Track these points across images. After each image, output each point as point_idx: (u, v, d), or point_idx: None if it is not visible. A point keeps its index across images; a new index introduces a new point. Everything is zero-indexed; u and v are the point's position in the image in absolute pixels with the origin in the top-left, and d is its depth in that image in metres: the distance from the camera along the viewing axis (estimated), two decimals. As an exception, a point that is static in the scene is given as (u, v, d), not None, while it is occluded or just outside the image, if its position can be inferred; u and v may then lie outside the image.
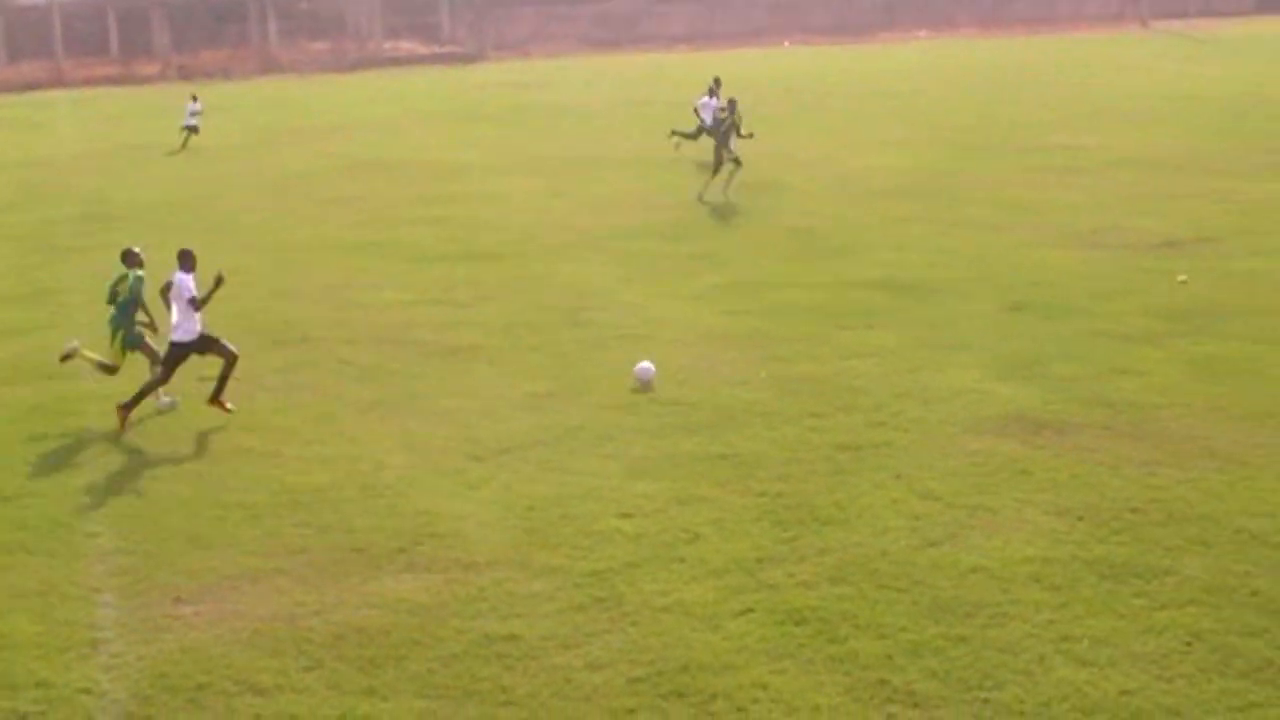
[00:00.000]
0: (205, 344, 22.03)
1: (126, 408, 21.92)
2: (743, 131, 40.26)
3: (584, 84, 77.76)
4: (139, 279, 22.60)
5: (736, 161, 39.84)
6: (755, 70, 79.70)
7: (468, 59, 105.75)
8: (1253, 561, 15.97)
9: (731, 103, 41.12)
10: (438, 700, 13.64)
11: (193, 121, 57.25)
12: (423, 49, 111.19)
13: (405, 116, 67.25)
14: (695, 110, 47.94)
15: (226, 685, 14.05)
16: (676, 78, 72.44)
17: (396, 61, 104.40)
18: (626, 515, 17.72)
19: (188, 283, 21.64)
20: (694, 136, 47.92)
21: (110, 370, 22.92)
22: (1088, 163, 45.12)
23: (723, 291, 29.05)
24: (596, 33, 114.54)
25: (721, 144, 40.22)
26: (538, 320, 26.60)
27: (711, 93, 47.54)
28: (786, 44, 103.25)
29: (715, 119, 44.30)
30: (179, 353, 21.92)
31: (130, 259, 22.79)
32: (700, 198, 40.04)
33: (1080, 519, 17.21)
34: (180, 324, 21.79)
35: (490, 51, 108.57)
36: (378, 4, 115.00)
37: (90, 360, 22.98)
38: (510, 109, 66.67)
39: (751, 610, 15.16)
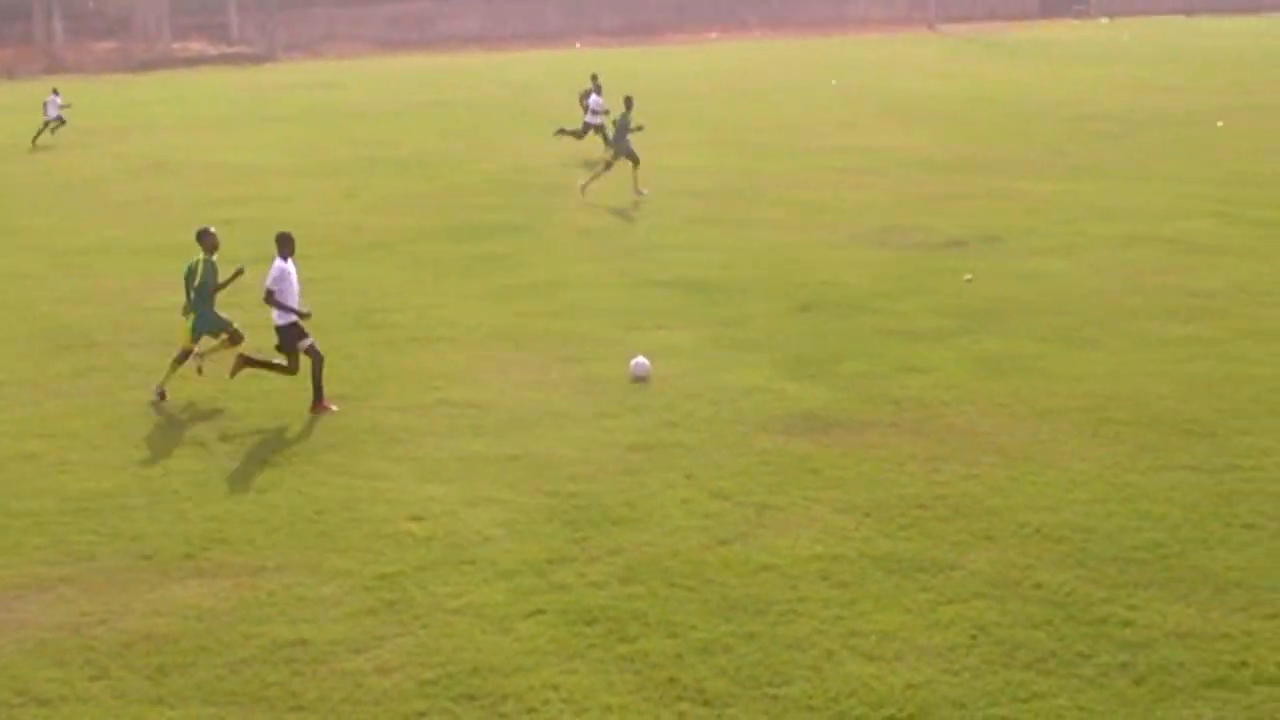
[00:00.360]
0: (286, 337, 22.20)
1: (248, 361, 22.56)
2: (632, 126, 40.81)
3: (376, 85, 77.30)
4: (209, 264, 22.77)
5: (632, 158, 40.57)
6: (547, 72, 79.74)
7: (258, 60, 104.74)
8: (1036, 555, 16.26)
9: (628, 100, 41.45)
10: (226, 707, 13.48)
11: (56, 114, 56.88)
12: (212, 49, 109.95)
13: (195, 118, 66.49)
14: (584, 106, 48.27)
15: (8, 696, 13.78)
16: (469, 79, 72.20)
17: (186, 62, 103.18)
18: (417, 518, 17.64)
19: (287, 270, 21.94)
20: (580, 134, 47.97)
21: (183, 357, 23.11)
22: (877, 163, 45.67)
23: (514, 292, 29.01)
24: (389, 34, 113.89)
25: (615, 142, 40.77)
26: (329, 322, 26.36)
27: (598, 90, 48.21)
28: (578, 45, 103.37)
29: (595, 115, 45.21)
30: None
31: (204, 241, 22.96)
32: (582, 189, 40.54)
33: (867, 515, 17.42)
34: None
35: (281, 52, 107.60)
36: (165, 4, 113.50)
37: (206, 353, 23.44)
38: (302, 110, 66.13)
39: (542, 611, 15.15)
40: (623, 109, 41.22)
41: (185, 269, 23.07)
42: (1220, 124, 53.47)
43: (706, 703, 13.34)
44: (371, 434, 20.73)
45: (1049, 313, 26.47)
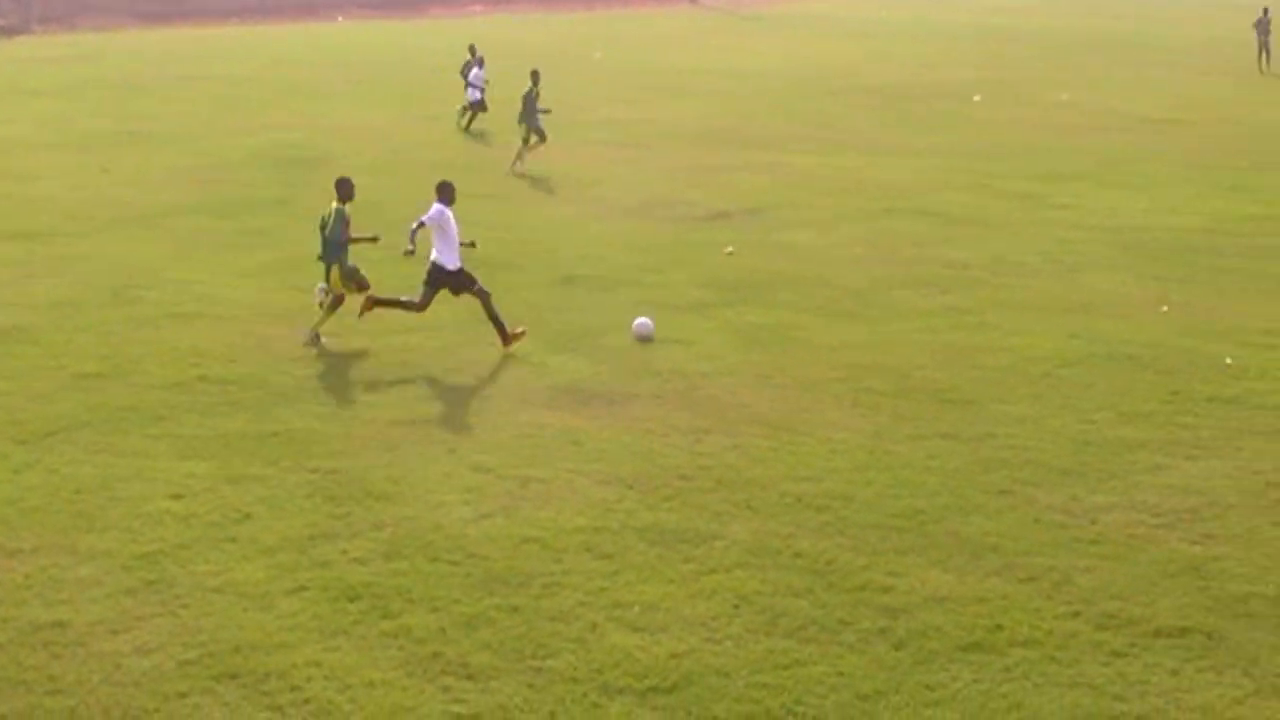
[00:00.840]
0: (461, 281, 23.48)
1: (376, 301, 23.66)
2: (540, 106, 40.44)
3: (135, 58, 75.80)
4: (339, 211, 23.59)
5: (541, 136, 40.27)
6: (309, 46, 78.85)
7: (10, 31, 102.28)
8: (797, 524, 16.46)
9: (534, 75, 41.15)
10: (-20, 692, 13.18)
11: None
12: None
13: (-57, 91, 64.71)
14: (466, 81, 47.97)
15: None
16: (230, 52, 71.18)
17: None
18: (176, 496, 17.36)
19: (447, 215, 23.23)
20: (481, 108, 47.42)
21: (340, 302, 23.83)
22: (641, 137, 45.76)
23: (275, 268, 28.63)
24: (147, 6, 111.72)
25: (526, 119, 40.39)
26: (85, 299, 25.84)
27: (480, 63, 47.76)
28: (340, 19, 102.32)
29: (476, 89, 46.25)
30: (439, 276, 23.44)
31: (341, 189, 23.96)
32: (514, 169, 39.89)
33: (630, 487, 17.50)
34: (444, 251, 23.33)
35: (36, 25, 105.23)
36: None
37: (324, 302, 23.96)
38: (57, 84, 64.56)
39: (304, 588, 15.02)
40: (529, 84, 40.84)
41: (320, 217, 24.07)
42: (977, 98, 54.36)
43: (470, 676, 13.32)
44: (131, 412, 20.34)
45: (809, 284, 26.78)
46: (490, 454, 18.62)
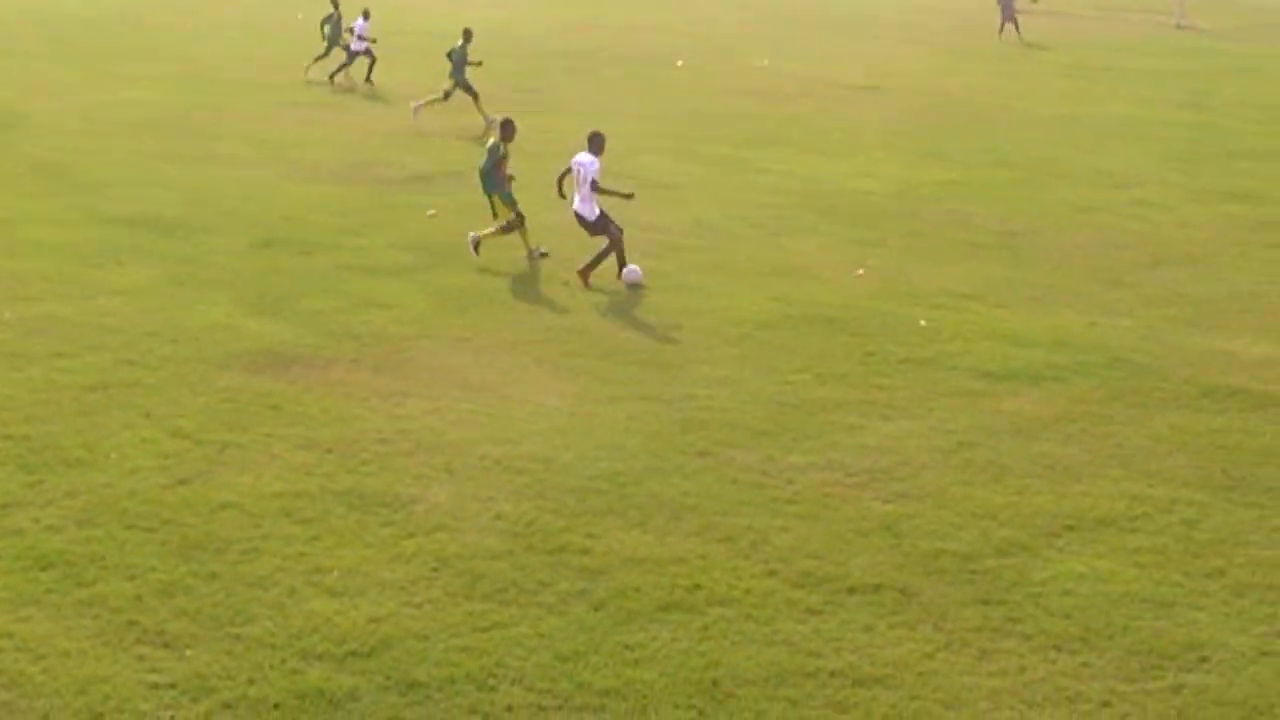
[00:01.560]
0: (599, 226, 25.35)
1: (585, 271, 25.03)
2: (470, 60, 41.92)
3: None
4: (495, 146, 26.46)
5: (470, 92, 41.72)
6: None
7: None
8: (496, 487, 16.49)
9: (466, 32, 42.36)
10: None
11: None
12: None
13: None
14: (351, 38, 48.33)
15: None
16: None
17: None
18: None
19: (593, 167, 25.05)
20: (369, 56, 47.84)
21: (512, 226, 26.26)
22: (342, 99, 45.36)
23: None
24: None
25: (454, 75, 41.82)
26: None
27: (366, 15, 48.36)
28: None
29: (362, 41, 47.43)
30: (582, 224, 25.50)
31: (504, 130, 26.67)
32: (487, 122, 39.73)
33: (329, 451, 17.38)
34: (584, 202, 25.23)
35: None
36: None
37: (492, 233, 26.32)
38: None
39: (-6, 558, 14.69)
40: (460, 41, 41.94)
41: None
42: (680, 63, 54.76)
43: (167, 645, 13.13)
44: None
45: (510, 246, 26.74)
46: (188, 419, 18.33)
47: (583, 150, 25.35)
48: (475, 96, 41.76)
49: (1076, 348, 21.88)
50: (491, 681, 12.72)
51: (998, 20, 66.96)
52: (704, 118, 42.63)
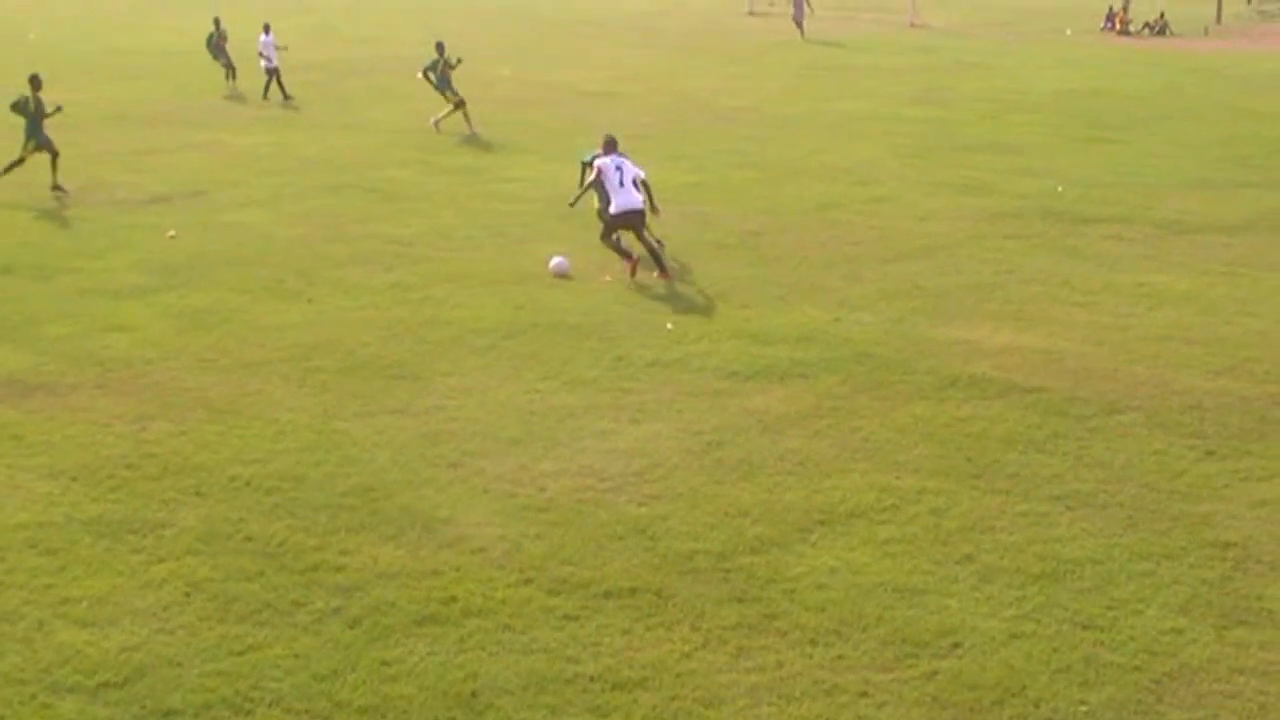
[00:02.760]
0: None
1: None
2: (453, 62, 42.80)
3: None
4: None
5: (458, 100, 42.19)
6: None
7: None
8: (246, 508, 16.31)
9: (439, 46, 43.06)
10: None
11: None
12: None
13: None
14: (260, 53, 49.01)
15: None
16: None
17: None
18: None
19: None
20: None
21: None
22: (76, 119, 44.47)
23: None
24: None
25: (443, 88, 42.68)
26: None
27: (266, 30, 49.03)
28: None
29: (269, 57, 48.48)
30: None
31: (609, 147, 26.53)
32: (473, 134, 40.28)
33: (74, 479, 17.06)
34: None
35: None
36: None
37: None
38: None
39: None
40: (435, 55, 42.98)
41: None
42: (419, 75, 54.52)
43: (-90, 686, 12.80)
44: None
45: (253, 264, 26.52)
46: (-85, 453, 17.91)
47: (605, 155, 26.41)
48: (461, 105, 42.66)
49: (821, 343, 22.19)
50: (248, 705, 12.57)
51: (795, 24, 68.50)
52: (447, 129, 42.51)
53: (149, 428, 18.72)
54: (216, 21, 52.28)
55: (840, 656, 13.44)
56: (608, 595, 14.49)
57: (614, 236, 26.17)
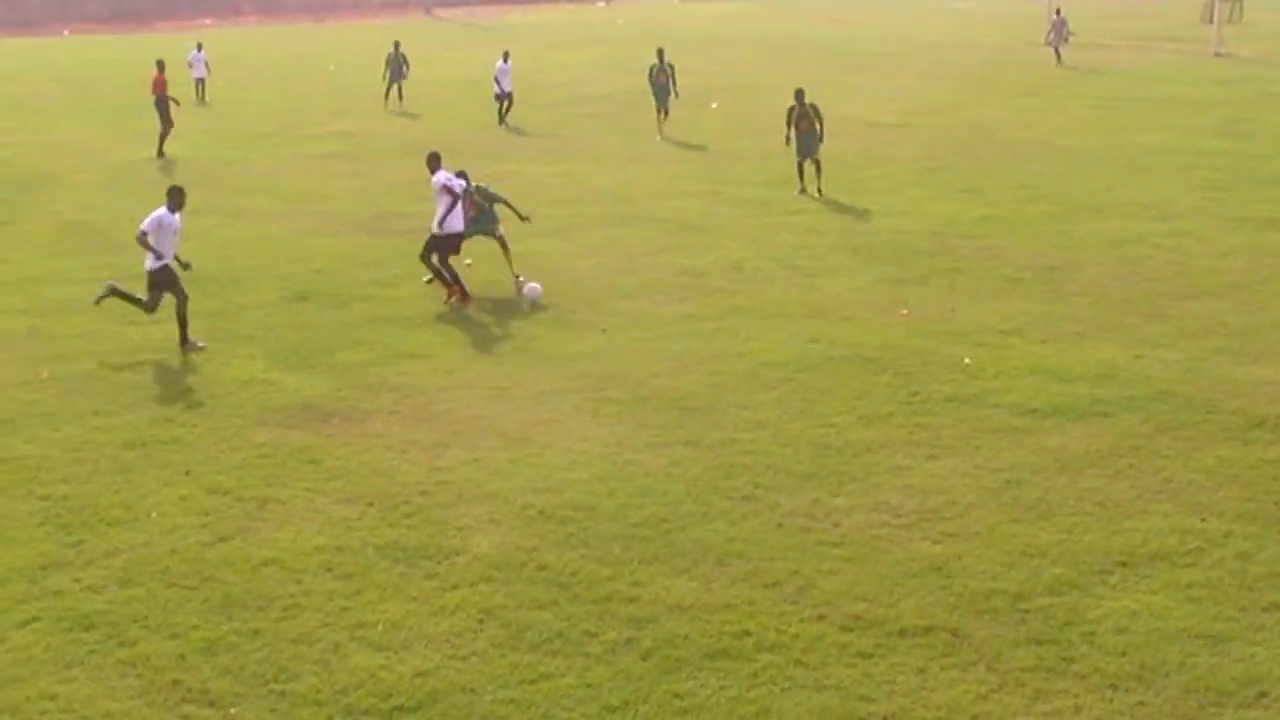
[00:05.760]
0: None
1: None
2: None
3: None
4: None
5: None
6: (31, 59, 77.21)
7: None
8: (539, 536, 16.33)
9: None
10: None
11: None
12: None
13: None
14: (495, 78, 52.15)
15: None
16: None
17: None
18: (-102, 529, 16.74)
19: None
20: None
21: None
22: (368, 150, 45.44)
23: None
24: None
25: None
26: None
27: (505, 58, 52.28)
28: (66, 33, 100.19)
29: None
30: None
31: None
32: None
33: (370, 505, 17.25)
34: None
35: None
36: None
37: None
38: None
39: (36, 619, 14.60)
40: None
41: None
42: (714, 105, 54.72)
43: (212, 703, 13.02)
44: None
45: (546, 294, 26.64)
46: (227, 475, 18.24)
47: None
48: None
49: (1121, 381, 21.66)
50: (541, 734, 12.58)
51: (1052, 49, 68.14)
52: (736, 158, 42.52)
53: (443, 455, 18.87)
54: (396, 45, 56.41)
55: (1141, 703, 13.03)
56: (902, 634, 14.23)
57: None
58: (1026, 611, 14.68)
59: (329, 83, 63.34)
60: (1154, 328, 24.57)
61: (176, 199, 23.90)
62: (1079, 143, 45.82)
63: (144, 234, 23.64)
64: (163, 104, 44.60)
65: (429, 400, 21.10)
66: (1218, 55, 73.11)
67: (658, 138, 47.58)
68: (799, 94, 37.41)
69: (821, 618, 14.53)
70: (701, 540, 16.25)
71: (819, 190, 36.62)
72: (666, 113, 48.50)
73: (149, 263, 23.70)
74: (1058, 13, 69.39)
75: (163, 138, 44.62)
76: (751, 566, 15.62)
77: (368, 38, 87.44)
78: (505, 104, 51.51)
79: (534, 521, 16.78)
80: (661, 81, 49.08)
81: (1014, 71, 66.12)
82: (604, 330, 24.53)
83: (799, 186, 37.02)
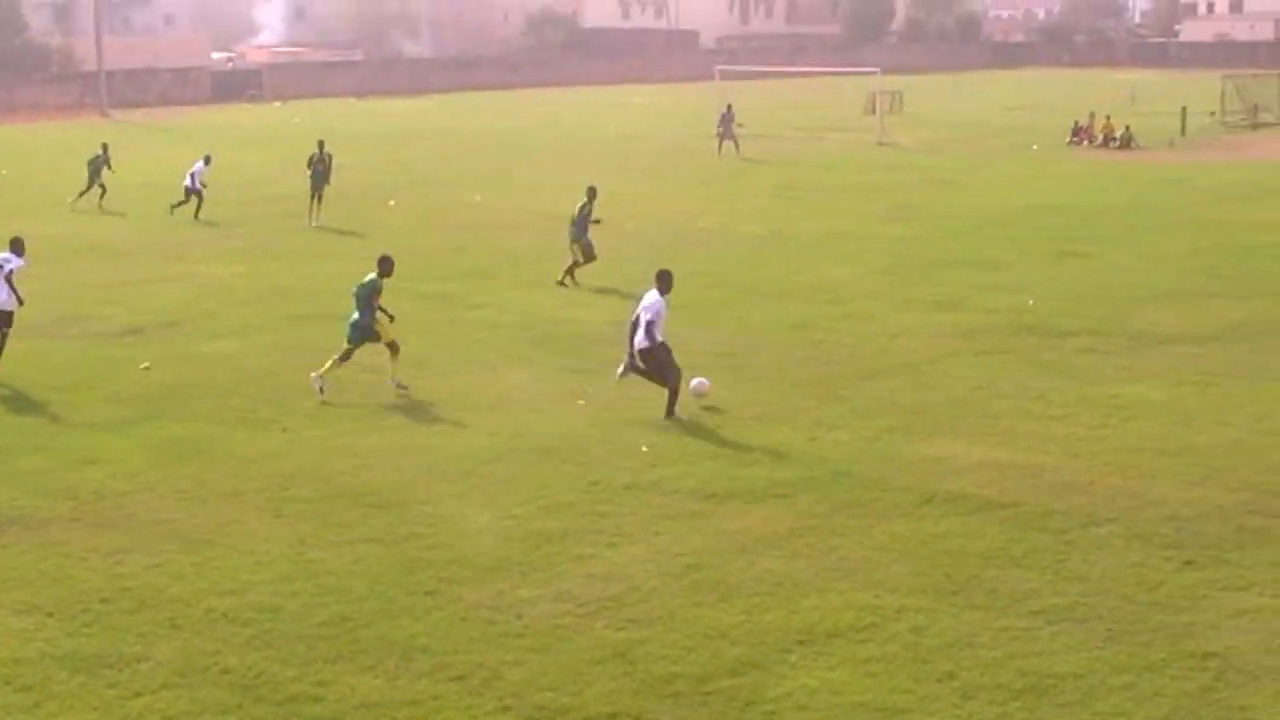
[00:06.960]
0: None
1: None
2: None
3: None
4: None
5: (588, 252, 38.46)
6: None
7: None
8: (223, 640, 16.23)
9: (590, 191, 39.07)
10: None
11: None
12: None
13: None
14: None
15: None
16: None
17: None
18: None
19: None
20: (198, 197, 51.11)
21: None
22: (51, 252, 44.54)
23: None
24: None
25: (579, 236, 38.47)
26: None
27: (207, 160, 52.91)
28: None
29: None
30: None
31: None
32: None
33: (50, 615, 16.97)
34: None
35: None
36: None
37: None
38: None
39: None
40: (584, 199, 38.81)
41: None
42: (392, 203, 54.82)
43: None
44: None
45: (228, 394, 26.51)
46: (-104, 590, 17.79)
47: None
48: (590, 257, 38.69)
49: (798, 463, 22.21)
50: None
51: (716, 141, 69.74)
52: (417, 254, 42.55)
53: (124, 561, 18.64)
54: (105, 147, 57.13)
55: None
56: (587, 722, 14.43)
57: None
58: (709, 694, 14.98)
59: (3, 186, 62.11)
60: (830, 409, 25.23)
61: None
62: (757, 229, 46.89)
63: None
64: None
65: (110, 505, 20.81)
66: (880, 144, 75.50)
67: (310, 224, 49.14)
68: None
69: (507, 709, 14.67)
70: (386, 636, 16.28)
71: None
72: (320, 199, 50.39)
73: None
74: (729, 107, 71.40)
75: None
76: (437, 660, 15.70)
77: (40, 139, 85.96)
78: (198, 200, 51.70)
79: (217, 624, 16.66)
80: (320, 170, 50.66)
81: (691, 162, 67.43)
82: (285, 430, 24.43)
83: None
